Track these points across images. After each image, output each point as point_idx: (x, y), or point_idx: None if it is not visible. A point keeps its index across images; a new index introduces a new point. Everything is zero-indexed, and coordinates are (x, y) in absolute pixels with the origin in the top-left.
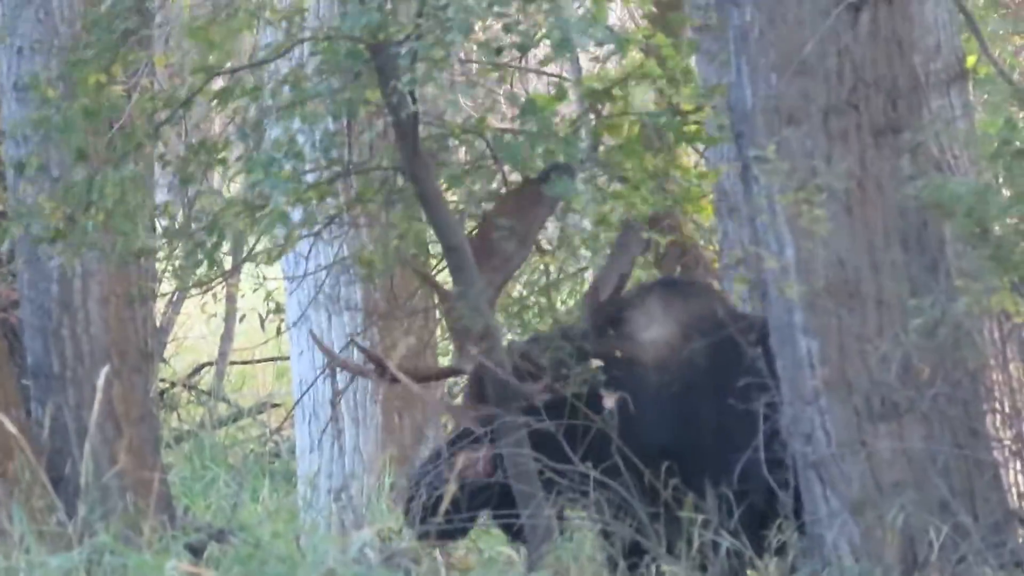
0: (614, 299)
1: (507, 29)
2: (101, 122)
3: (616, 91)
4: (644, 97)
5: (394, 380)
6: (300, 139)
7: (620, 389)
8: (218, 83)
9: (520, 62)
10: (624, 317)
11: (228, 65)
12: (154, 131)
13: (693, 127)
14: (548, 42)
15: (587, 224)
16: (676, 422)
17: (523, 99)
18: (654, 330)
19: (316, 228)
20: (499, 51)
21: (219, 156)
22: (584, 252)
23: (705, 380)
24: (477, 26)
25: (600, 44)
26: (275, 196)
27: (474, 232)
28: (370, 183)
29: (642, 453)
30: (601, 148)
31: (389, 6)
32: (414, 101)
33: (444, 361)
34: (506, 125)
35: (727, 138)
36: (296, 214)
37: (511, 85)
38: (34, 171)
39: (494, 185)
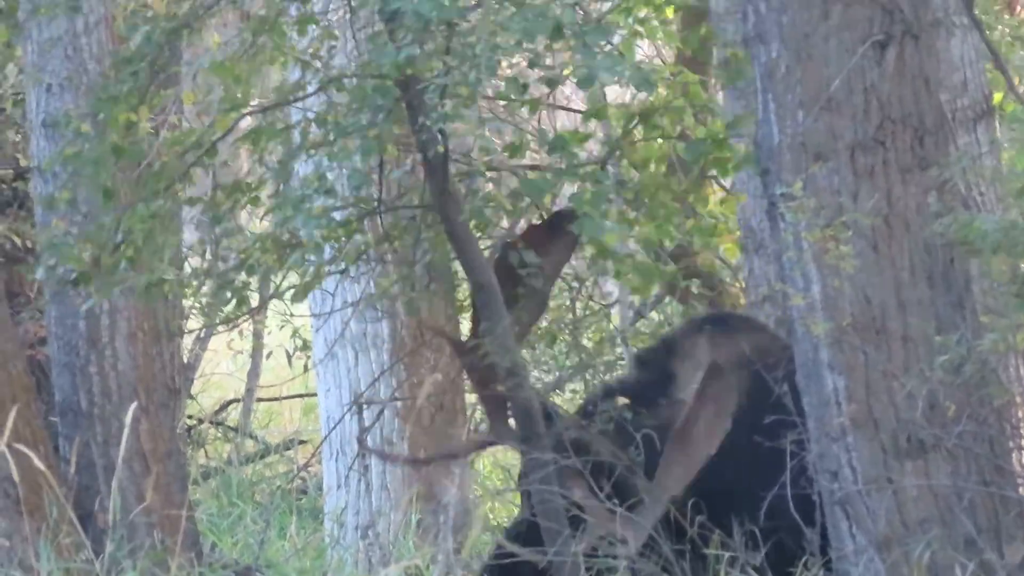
0: (661, 347)
1: (532, 65)
2: (130, 161)
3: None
4: (670, 133)
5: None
6: (330, 176)
7: (655, 422)
8: (247, 121)
9: (548, 99)
10: (673, 371)
11: (256, 103)
12: (184, 171)
13: (722, 153)
14: (574, 79)
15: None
16: (717, 466)
17: (551, 135)
18: (700, 376)
19: (343, 266)
20: (525, 87)
21: (251, 195)
22: (611, 287)
23: (741, 418)
24: (504, 63)
25: (627, 82)
26: (308, 230)
27: (495, 266)
28: (399, 220)
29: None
30: (628, 183)
31: (418, 45)
32: (443, 138)
33: (469, 399)
34: (535, 161)
35: (753, 165)
36: (325, 252)
37: (539, 122)
38: (63, 207)
39: (522, 222)
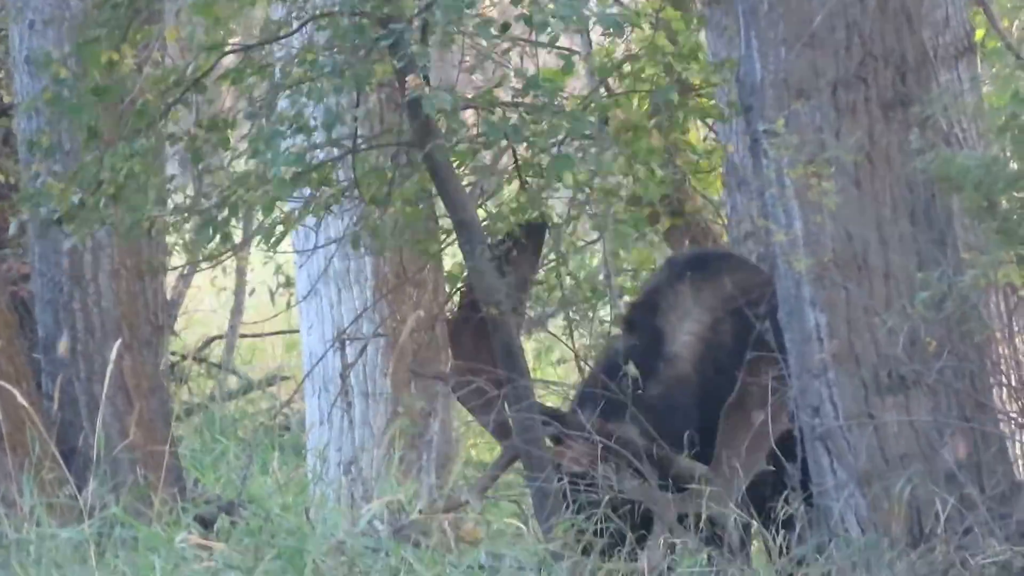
0: (646, 304)
1: (515, 2)
2: (112, 100)
3: (626, 67)
4: (654, 73)
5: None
6: (307, 112)
7: (667, 419)
8: (229, 59)
9: (529, 35)
10: (661, 328)
11: (238, 43)
12: (166, 110)
13: (704, 101)
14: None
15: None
16: (707, 408)
17: (529, 74)
18: (686, 330)
19: (322, 207)
20: (506, 27)
21: (224, 134)
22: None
23: (729, 358)
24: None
25: (593, 25)
26: (276, 167)
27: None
28: (375, 158)
29: (671, 435)
30: (609, 125)
31: None
32: (426, 76)
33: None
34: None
35: (737, 114)
36: (306, 192)
37: (521, 59)
38: (45, 148)
39: (504, 160)
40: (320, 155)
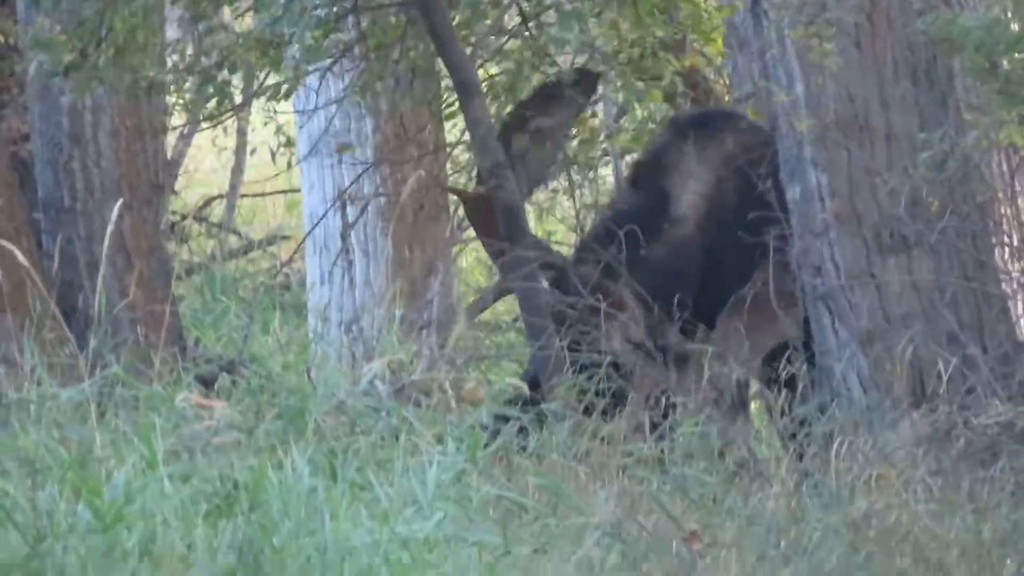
0: (650, 163)
1: None
2: None
3: None
4: None
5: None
6: None
7: (670, 279)
8: None
9: None
10: (666, 189)
11: None
12: None
13: None
14: None
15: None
16: (708, 267)
17: None
18: (691, 190)
19: (327, 63)
20: None
21: None
22: None
23: (733, 218)
24: None
25: None
26: (299, 32)
27: (501, 134)
28: (381, 17)
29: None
30: None
31: None
32: None
33: (451, 197)
34: None
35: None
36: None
37: None
38: (47, 3)
39: (505, 19)
40: (322, 13)
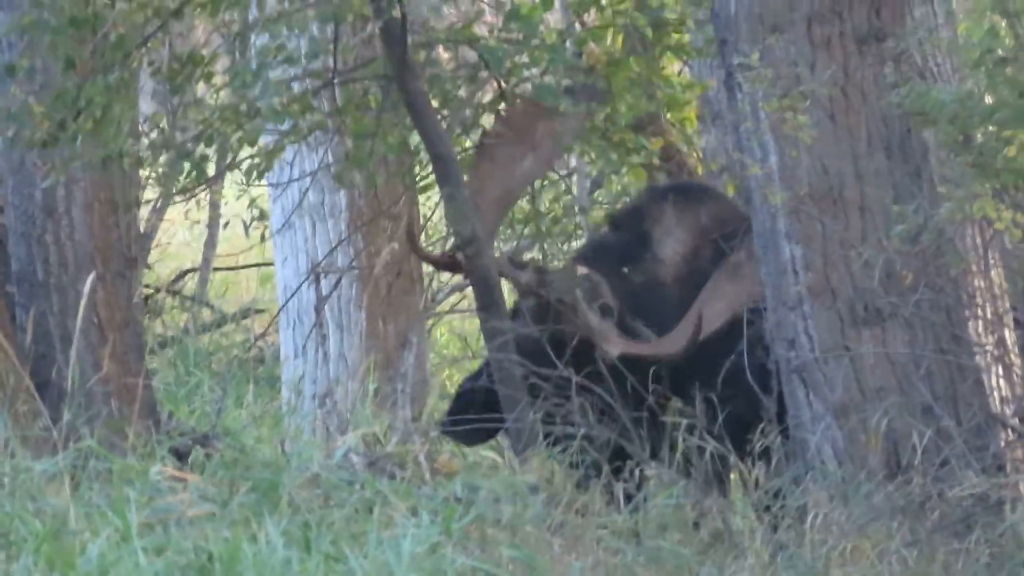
0: (632, 211)
1: None
2: (88, 30)
3: (602, 1)
4: (629, 7)
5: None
6: (289, 45)
7: (644, 307)
8: None
9: None
10: (646, 236)
11: None
12: (143, 42)
13: (677, 35)
14: None
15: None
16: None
17: (508, 7)
18: (670, 245)
19: (302, 135)
20: None
21: (205, 67)
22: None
23: (701, 284)
24: None
25: None
26: (266, 99)
27: (477, 145)
28: (354, 94)
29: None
30: (585, 56)
31: None
32: (402, 5)
33: (425, 267)
34: (493, 34)
35: (712, 52)
36: (285, 124)
37: None
38: (23, 74)
39: (481, 95)
40: (297, 87)
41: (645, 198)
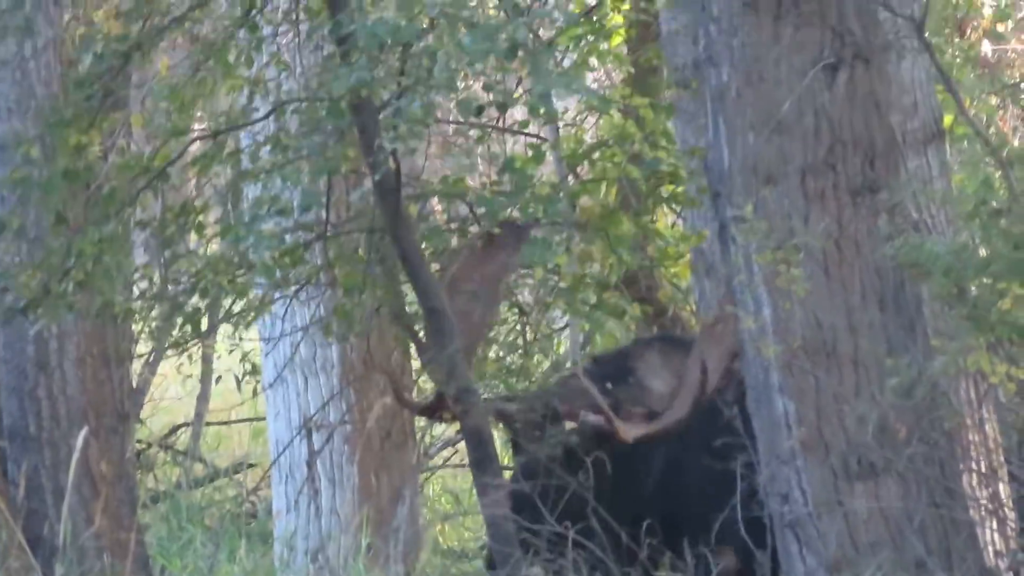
0: (616, 353)
1: (488, 88)
2: (80, 184)
3: (595, 154)
4: (623, 160)
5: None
6: (283, 197)
7: (623, 452)
8: (195, 145)
9: (499, 122)
10: (630, 368)
11: (201, 127)
12: (134, 197)
13: (670, 187)
14: (527, 103)
15: (563, 285)
16: (669, 481)
17: (502, 159)
18: (656, 381)
19: (292, 290)
20: (480, 110)
21: (195, 218)
22: (559, 313)
23: (693, 438)
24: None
25: (579, 98)
26: (259, 252)
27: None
28: (343, 248)
29: (634, 513)
30: (579, 210)
31: (371, 67)
32: (396, 161)
33: (418, 422)
34: (486, 185)
35: (705, 202)
36: (275, 274)
37: (488, 147)
38: (12, 233)
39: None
40: (289, 238)
41: (630, 344)
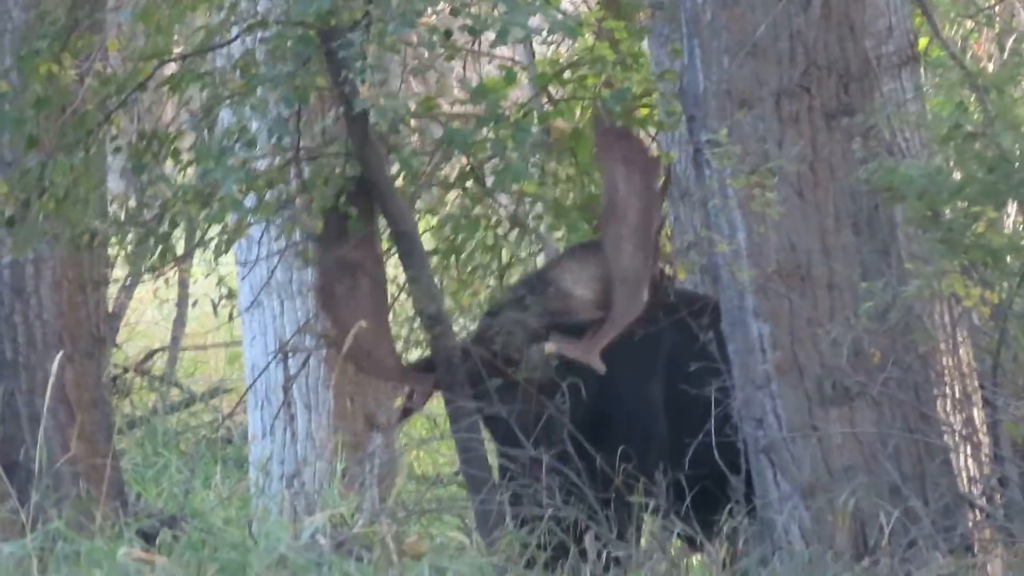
0: (530, 272)
1: (455, 12)
2: (53, 110)
3: (567, 75)
4: (596, 82)
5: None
6: (253, 126)
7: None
8: (171, 68)
9: (471, 46)
10: (548, 280)
11: (178, 51)
12: (105, 118)
13: (644, 110)
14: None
15: (539, 208)
16: (664, 418)
17: (473, 84)
18: (579, 290)
19: (264, 219)
20: (448, 35)
21: (171, 146)
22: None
23: (666, 366)
24: (428, 10)
25: (548, 32)
26: (226, 184)
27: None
28: (321, 169)
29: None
30: (551, 134)
31: None
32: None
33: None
34: (458, 109)
35: (677, 124)
36: (248, 200)
37: (464, 69)
38: None
39: (446, 170)
40: (262, 165)
41: (548, 262)
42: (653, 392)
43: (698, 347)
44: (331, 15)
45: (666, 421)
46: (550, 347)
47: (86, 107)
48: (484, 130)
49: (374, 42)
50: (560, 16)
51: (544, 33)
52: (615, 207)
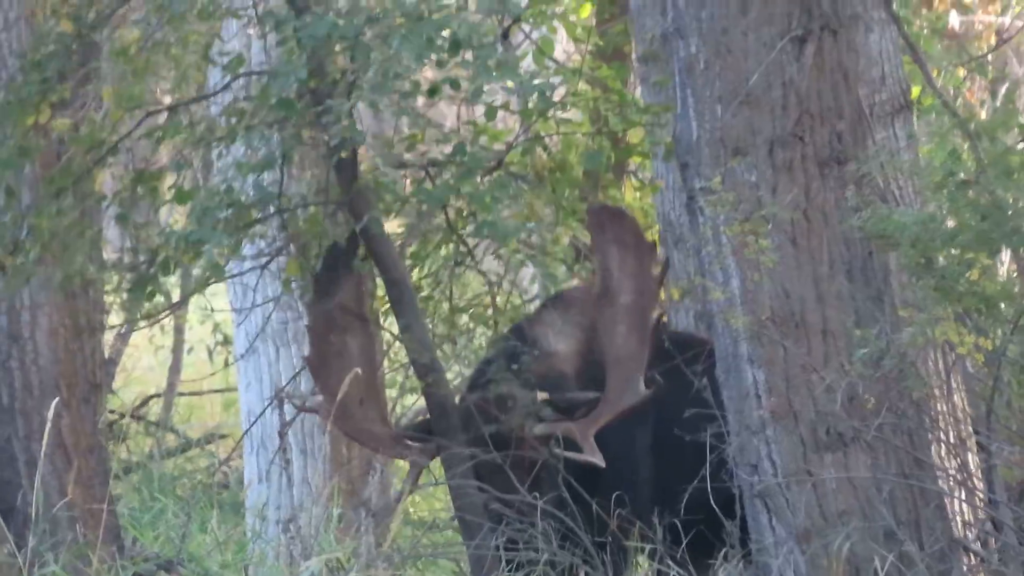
0: (515, 327)
1: (440, 65)
2: (34, 160)
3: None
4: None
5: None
6: (236, 186)
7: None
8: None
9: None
10: (532, 340)
11: (167, 101)
12: (91, 166)
13: (637, 159)
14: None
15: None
16: (654, 462)
17: (453, 135)
18: (563, 343)
19: (263, 261)
20: (432, 92)
21: (152, 185)
22: (526, 282)
23: (661, 412)
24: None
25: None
26: (209, 252)
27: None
28: (309, 218)
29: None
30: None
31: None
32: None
33: (389, 393)
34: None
35: (669, 156)
36: (246, 248)
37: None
38: None
39: (438, 220)
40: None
41: (527, 318)
42: (639, 435)
43: (693, 393)
44: (312, 79)
45: (655, 464)
46: (541, 429)
47: (74, 155)
48: (461, 184)
49: (356, 102)
50: (536, 81)
51: (515, 97)
52: (608, 289)
